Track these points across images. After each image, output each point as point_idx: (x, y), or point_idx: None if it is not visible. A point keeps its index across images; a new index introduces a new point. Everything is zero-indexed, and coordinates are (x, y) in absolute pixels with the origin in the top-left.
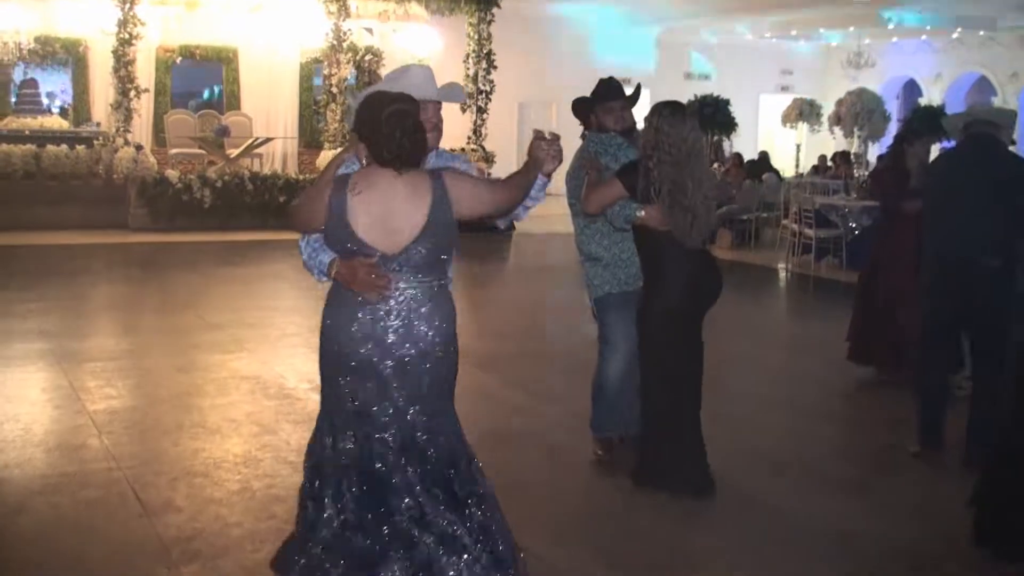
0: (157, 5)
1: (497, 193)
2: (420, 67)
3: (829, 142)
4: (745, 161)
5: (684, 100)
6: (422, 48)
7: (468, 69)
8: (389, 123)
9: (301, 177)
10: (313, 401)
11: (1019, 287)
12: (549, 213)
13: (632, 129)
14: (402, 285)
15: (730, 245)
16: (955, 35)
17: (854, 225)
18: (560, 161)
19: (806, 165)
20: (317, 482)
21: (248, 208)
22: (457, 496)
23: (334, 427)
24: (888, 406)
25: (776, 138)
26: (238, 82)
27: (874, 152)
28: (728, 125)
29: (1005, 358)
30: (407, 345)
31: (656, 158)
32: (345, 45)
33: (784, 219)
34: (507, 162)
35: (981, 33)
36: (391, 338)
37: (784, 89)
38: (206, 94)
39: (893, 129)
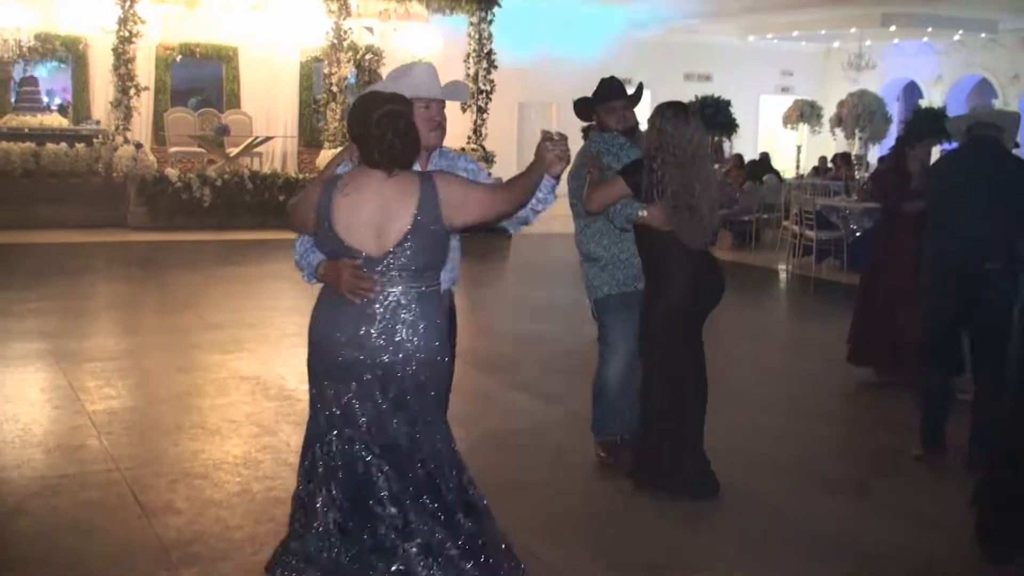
0: (157, 3)
1: (496, 196)
2: (424, 65)
3: (829, 143)
4: (746, 162)
5: (684, 101)
6: (422, 47)
7: (468, 69)
8: (381, 124)
9: (301, 176)
10: None
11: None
12: (549, 213)
13: (634, 129)
14: (388, 289)
15: (730, 246)
16: (956, 37)
17: (855, 227)
18: (567, 163)
19: (806, 166)
20: (309, 483)
21: (248, 207)
22: (446, 507)
23: (320, 428)
24: (888, 407)
25: (777, 139)
26: (238, 80)
27: (875, 154)
28: (729, 126)
29: (1006, 358)
30: (391, 350)
31: (660, 159)
32: (345, 44)
33: (785, 220)
34: (507, 162)
35: (982, 35)
36: (374, 343)
37: (784, 90)
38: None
39: (894, 131)
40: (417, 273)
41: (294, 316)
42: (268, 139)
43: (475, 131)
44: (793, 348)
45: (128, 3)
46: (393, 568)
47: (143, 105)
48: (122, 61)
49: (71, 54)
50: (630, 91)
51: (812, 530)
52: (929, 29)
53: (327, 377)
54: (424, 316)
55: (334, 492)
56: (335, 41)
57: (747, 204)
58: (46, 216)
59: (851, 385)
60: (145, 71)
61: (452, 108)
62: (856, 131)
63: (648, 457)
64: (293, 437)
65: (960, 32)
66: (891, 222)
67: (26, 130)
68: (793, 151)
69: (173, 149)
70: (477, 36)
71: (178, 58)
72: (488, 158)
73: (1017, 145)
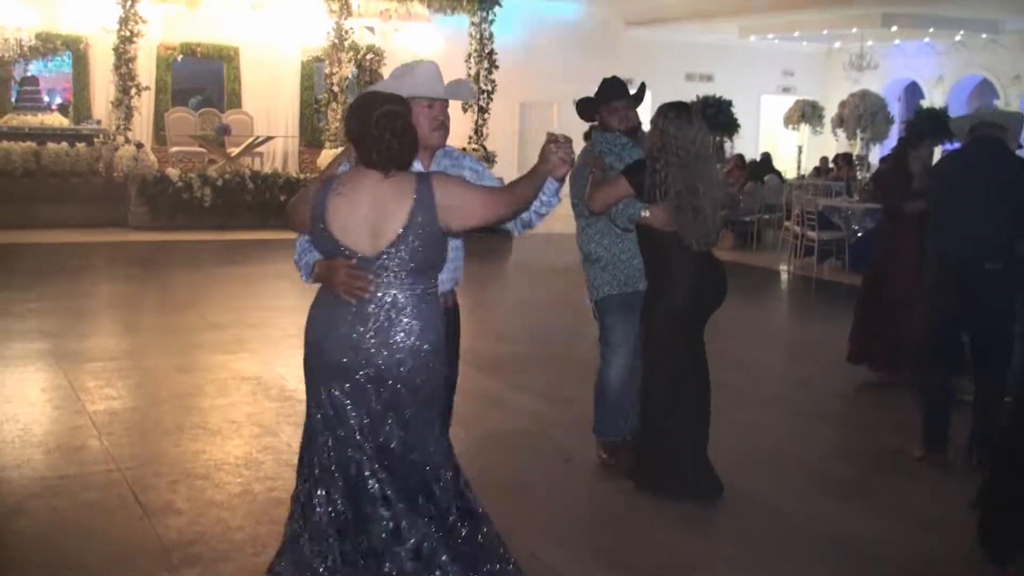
0: (158, 3)
1: (496, 199)
2: (427, 64)
3: (831, 144)
4: (747, 162)
5: (686, 101)
6: (424, 47)
7: (470, 69)
8: (379, 124)
9: (302, 176)
10: None
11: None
12: (551, 213)
13: (637, 129)
14: (383, 289)
15: (732, 247)
16: (957, 38)
17: (856, 227)
18: (571, 165)
19: (808, 167)
20: (306, 483)
21: (248, 207)
22: (440, 510)
23: (315, 428)
24: (889, 407)
25: (778, 139)
26: (239, 80)
27: (876, 154)
28: (731, 126)
29: (1007, 359)
30: (384, 352)
31: (663, 160)
32: (347, 44)
33: (786, 221)
34: (508, 162)
35: (984, 36)
36: (368, 344)
37: (786, 90)
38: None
39: (896, 132)
40: (413, 274)
41: (295, 316)
42: (269, 139)
43: (476, 131)
44: (794, 349)
45: (129, 3)
46: (385, 570)
47: (144, 105)
48: (123, 61)
49: (72, 53)
50: (632, 91)
51: (812, 530)
52: (930, 29)
53: (322, 377)
54: (420, 317)
55: (330, 492)
56: (336, 41)
57: (748, 204)
58: (47, 216)
59: (851, 385)
60: (146, 71)
61: (453, 108)
62: (857, 131)
63: (649, 458)
64: (294, 438)
65: (961, 32)
66: (893, 223)
67: (27, 129)
68: (794, 151)
69: (174, 149)
70: (478, 36)
71: (179, 58)
72: (489, 158)
73: (1020, 145)
